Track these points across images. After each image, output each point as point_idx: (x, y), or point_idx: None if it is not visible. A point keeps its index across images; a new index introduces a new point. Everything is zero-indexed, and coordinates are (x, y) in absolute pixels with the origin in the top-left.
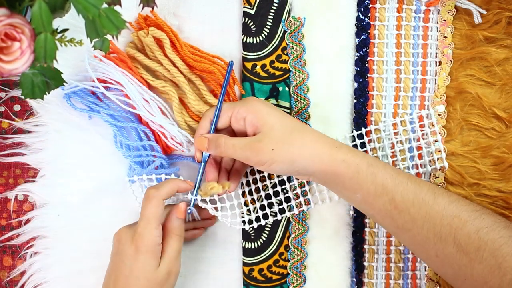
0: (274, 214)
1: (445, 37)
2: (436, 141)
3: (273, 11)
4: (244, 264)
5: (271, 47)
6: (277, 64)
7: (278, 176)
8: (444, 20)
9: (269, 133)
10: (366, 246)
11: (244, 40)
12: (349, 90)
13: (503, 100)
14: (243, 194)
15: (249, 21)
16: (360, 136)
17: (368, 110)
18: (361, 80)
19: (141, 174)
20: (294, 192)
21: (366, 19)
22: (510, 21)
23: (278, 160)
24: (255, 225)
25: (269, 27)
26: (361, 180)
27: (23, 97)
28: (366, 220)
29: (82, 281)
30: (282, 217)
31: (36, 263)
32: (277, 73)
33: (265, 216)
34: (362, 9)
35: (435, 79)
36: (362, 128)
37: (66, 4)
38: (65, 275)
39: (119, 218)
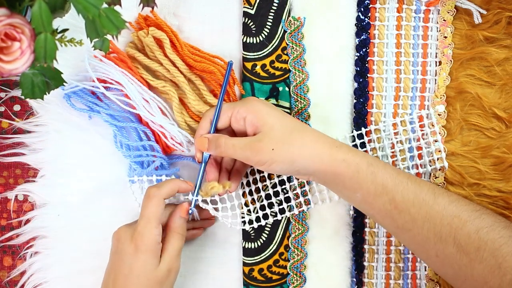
0: (274, 214)
1: (445, 37)
2: (436, 141)
3: (273, 11)
4: (244, 264)
5: (271, 47)
6: (277, 64)
7: (278, 176)
8: (444, 20)
9: (269, 133)
10: (366, 246)
11: (244, 40)
12: (349, 90)
13: (503, 100)
14: (243, 194)
15: (249, 21)
16: (360, 136)
17: (368, 110)
18: (361, 80)
19: (142, 174)
20: (294, 192)
21: (366, 19)
22: (510, 21)
23: (278, 160)
24: (255, 225)
25: (269, 27)
26: (361, 179)
27: (23, 97)
28: (366, 220)
29: (82, 281)
30: (282, 217)
31: (36, 263)
32: (277, 73)
33: (265, 216)
34: (362, 9)
35: (435, 79)
36: (362, 128)
37: (66, 4)
38: (65, 275)
39: (119, 218)
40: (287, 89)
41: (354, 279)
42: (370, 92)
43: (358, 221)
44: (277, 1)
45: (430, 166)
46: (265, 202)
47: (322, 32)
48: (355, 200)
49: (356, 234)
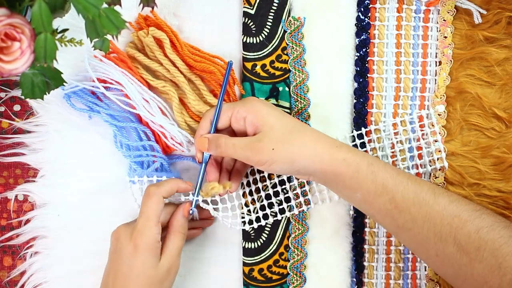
0: (274, 214)
1: (445, 37)
2: (436, 141)
3: (273, 11)
4: (244, 264)
5: (271, 47)
6: (277, 64)
7: (278, 176)
8: (444, 20)
9: (269, 133)
10: (366, 246)
11: (244, 40)
12: (349, 90)
13: (503, 100)
14: (244, 194)
15: (249, 21)
16: (360, 136)
17: (368, 110)
18: (361, 80)
19: (142, 175)
20: (294, 192)
21: (366, 19)
22: (510, 21)
23: (278, 160)
24: (255, 225)
25: (269, 27)
26: (361, 179)
27: (23, 97)
28: (366, 220)
29: (82, 281)
30: (282, 217)
31: (36, 263)
32: (277, 73)
33: (265, 216)
34: (362, 9)
35: (435, 79)
36: (362, 128)
37: (66, 4)
38: (65, 275)
39: (119, 218)
40: (287, 89)
41: (354, 279)
42: (370, 92)
43: (358, 221)
44: (277, 1)
45: (430, 166)
46: (265, 202)
47: (322, 32)
48: (355, 200)
49: (356, 234)
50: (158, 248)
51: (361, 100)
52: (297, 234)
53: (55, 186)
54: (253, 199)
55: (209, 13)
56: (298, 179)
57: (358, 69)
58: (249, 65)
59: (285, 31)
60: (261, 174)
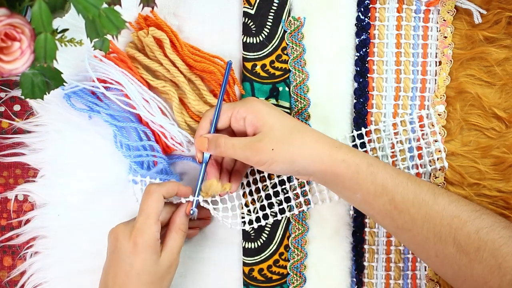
0: (274, 214)
1: (445, 37)
2: (436, 141)
3: (273, 11)
4: (244, 264)
5: (271, 47)
6: (277, 64)
7: (278, 176)
8: (444, 20)
9: (269, 133)
10: (366, 246)
11: (244, 40)
12: (349, 90)
13: (503, 100)
14: (244, 194)
15: (249, 21)
16: (360, 136)
17: (368, 110)
18: (361, 80)
19: (145, 176)
20: (294, 192)
21: (366, 19)
22: (510, 21)
23: (278, 160)
24: (255, 225)
25: (269, 27)
26: (361, 180)
27: (23, 97)
28: (366, 220)
29: (82, 281)
30: (282, 217)
31: (36, 263)
32: (277, 73)
33: (265, 216)
34: (362, 9)
35: (435, 79)
36: (362, 128)
37: (66, 4)
38: (65, 275)
39: (119, 218)
40: (287, 89)
41: (354, 279)
42: (370, 92)
43: (358, 221)
44: (277, 1)
45: (430, 166)
46: (265, 202)
47: (322, 32)
48: (355, 200)
49: (356, 234)
50: (158, 246)
51: (361, 100)
52: (297, 234)
53: (55, 186)
54: (253, 199)
55: (209, 13)
56: (298, 179)
57: (358, 69)
58: (249, 65)
59: (285, 31)
60: (261, 174)
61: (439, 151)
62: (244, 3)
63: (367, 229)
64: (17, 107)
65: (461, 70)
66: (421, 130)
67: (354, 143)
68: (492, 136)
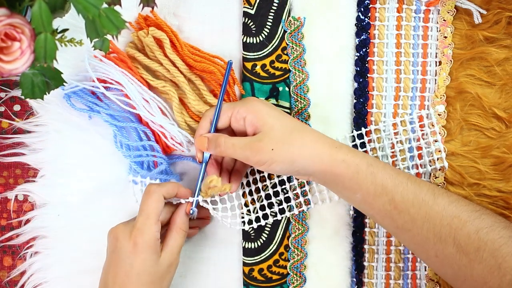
0: (274, 214)
1: (445, 37)
2: (436, 141)
3: (273, 11)
4: (244, 264)
5: (271, 47)
6: (277, 64)
7: (278, 176)
8: (444, 20)
9: (269, 133)
10: (366, 246)
11: (244, 40)
12: (349, 90)
13: (503, 100)
14: (243, 194)
15: (249, 21)
16: (360, 136)
17: (368, 110)
18: (361, 80)
19: (145, 176)
20: (294, 192)
21: (366, 19)
22: (510, 21)
23: (278, 160)
24: (254, 225)
25: (269, 27)
26: (361, 180)
27: (23, 97)
28: (366, 220)
29: (82, 281)
30: (282, 217)
31: (36, 263)
32: (277, 73)
33: (265, 216)
34: (362, 9)
35: (435, 79)
36: (362, 128)
37: (66, 4)
38: (65, 275)
39: (119, 218)
40: (287, 89)
41: (354, 279)
42: (370, 92)
43: (358, 221)
44: (277, 1)
45: (430, 166)
46: (265, 202)
47: (322, 32)
48: (355, 200)
49: (356, 234)
50: (158, 246)
51: (361, 100)
52: (297, 234)
53: (55, 186)
54: (253, 199)
55: (209, 13)
56: (298, 179)
57: (358, 69)
58: (249, 65)
59: (285, 31)
60: (261, 174)
61: (439, 151)
62: (244, 3)
63: (367, 229)
64: (17, 107)
65: (461, 70)
66: (421, 130)
67: (354, 143)
68: (492, 136)
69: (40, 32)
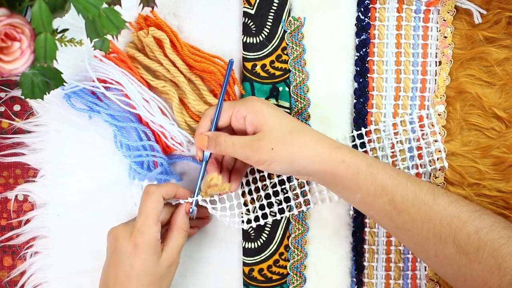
0: (273, 214)
1: (445, 37)
2: (436, 141)
3: (273, 11)
4: (244, 264)
5: (271, 47)
6: (277, 64)
7: (278, 176)
8: (444, 20)
9: (269, 132)
10: (366, 246)
11: (244, 40)
12: (349, 90)
13: (503, 100)
14: (243, 194)
15: (249, 21)
16: (360, 136)
17: (368, 110)
18: (361, 80)
19: (143, 179)
20: (294, 192)
21: (366, 19)
22: (510, 21)
23: (278, 159)
24: (254, 224)
25: (269, 27)
26: (361, 180)
27: (23, 97)
28: (366, 220)
29: (82, 281)
30: (281, 217)
31: (36, 263)
32: (277, 73)
33: (265, 216)
34: (362, 9)
35: (435, 79)
36: (362, 128)
37: (66, 4)
38: (65, 275)
39: (119, 218)
40: (287, 89)
41: (354, 279)
42: (370, 92)
43: (358, 221)
44: (277, 1)
45: (430, 166)
46: (265, 202)
47: (322, 32)
48: (355, 200)
49: (356, 234)
50: (158, 246)
51: (361, 100)
52: (297, 234)
53: (55, 186)
54: (252, 199)
55: (209, 13)
56: (297, 179)
57: (358, 69)
58: (249, 65)
59: (285, 31)
60: (261, 174)
61: (439, 151)
62: (244, 3)
63: (367, 229)
64: (17, 107)
65: (461, 70)
66: (421, 130)
67: (354, 143)
68: (492, 136)
69: (40, 32)
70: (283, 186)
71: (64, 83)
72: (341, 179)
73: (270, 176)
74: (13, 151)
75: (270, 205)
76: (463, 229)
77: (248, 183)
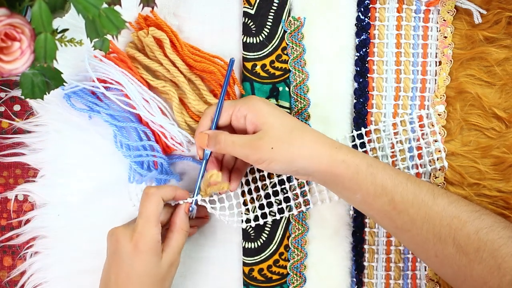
0: (273, 214)
1: (445, 37)
2: (436, 141)
3: (273, 11)
4: (244, 264)
5: (271, 47)
6: (277, 64)
7: (278, 176)
8: (444, 20)
9: (269, 131)
10: (366, 246)
11: (244, 40)
12: (349, 90)
13: (503, 100)
14: (243, 193)
15: (249, 21)
16: (360, 136)
17: (368, 110)
18: (361, 80)
19: (141, 182)
20: (294, 192)
21: (366, 19)
22: (510, 21)
23: (277, 159)
24: (252, 224)
25: (269, 27)
26: (361, 180)
27: (23, 97)
28: (366, 220)
29: (82, 281)
30: (281, 217)
31: (36, 263)
32: (277, 73)
33: (264, 216)
34: (362, 9)
35: (435, 79)
36: (362, 128)
37: (66, 4)
38: (65, 275)
39: (119, 218)
40: (287, 89)
41: (354, 279)
42: (370, 92)
43: (358, 221)
44: (277, 1)
45: (430, 166)
46: (264, 202)
47: (322, 32)
48: (355, 200)
49: (356, 234)
50: (159, 248)
51: (361, 100)
52: (297, 234)
53: (55, 186)
54: (252, 198)
55: (209, 13)
56: (297, 180)
57: (358, 69)
58: (249, 65)
59: (285, 31)
60: (261, 173)
61: (439, 151)
62: (244, 3)
63: (367, 229)
64: (17, 107)
65: (461, 70)
66: (421, 130)
67: (354, 143)
68: (492, 136)
69: (40, 32)
70: (283, 186)
71: (64, 83)
72: (341, 179)
73: (270, 175)
74: (13, 151)
75: (270, 205)
76: (463, 229)
77: (248, 183)
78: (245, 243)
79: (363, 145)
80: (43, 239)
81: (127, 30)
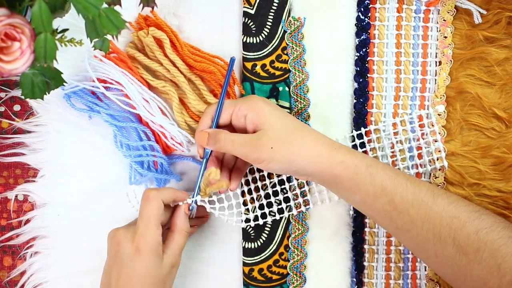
0: (273, 214)
1: (445, 37)
2: (436, 141)
3: (273, 11)
4: (244, 264)
5: (271, 47)
6: (277, 64)
7: (278, 176)
8: (444, 20)
9: (269, 131)
10: (366, 246)
11: (244, 40)
12: (349, 90)
13: (503, 100)
14: (243, 193)
15: (249, 21)
16: (360, 136)
17: (368, 110)
18: (361, 80)
19: (140, 183)
20: (294, 192)
21: (366, 19)
22: (510, 21)
23: (277, 158)
24: (252, 223)
25: (269, 27)
26: (360, 181)
27: (23, 97)
28: (366, 220)
29: (82, 281)
30: (281, 217)
31: (36, 263)
32: (277, 73)
33: (264, 216)
34: (362, 9)
35: (435, 79)
36: (362, 128)
37: (66, 4)
38: (65, 275)
39: (119, 218)
40: (287, 89)
41: (354, 279)
42: (370, 92)
43: (358, 221)
44: (277, 1)
45: (430, 166)
46: (264, 202)
47: (322, 32)
48: (354, 201)
49: (356, 234)
50: (160, 249)
51: (361, 100)
52: (297, 234)
53: (55, 186)
54: (252, 198)
55: (209, 13)
56: (297, 180)
57: (358, 69)
58: (249, 65)
59: (285, 31)
60: (261, 173)
61: (439, 151)
62: (244, 3)
63: (367, 229)
64: (17, 107)
65: (461, 70)
66: (421, 130)
67: (354, 143)
68: (492, 136)
69: (40, 32)
70: (282, 186)
71: (64, 83)
72: (340, 180)
73: (270, 176)
74: (13, 151)
75: (270, 205)
76: (463, 229)
77: (247, 183)
78: (245, 243)
79: (363, 145)
80: (43, 239)
81: (127, 30)
